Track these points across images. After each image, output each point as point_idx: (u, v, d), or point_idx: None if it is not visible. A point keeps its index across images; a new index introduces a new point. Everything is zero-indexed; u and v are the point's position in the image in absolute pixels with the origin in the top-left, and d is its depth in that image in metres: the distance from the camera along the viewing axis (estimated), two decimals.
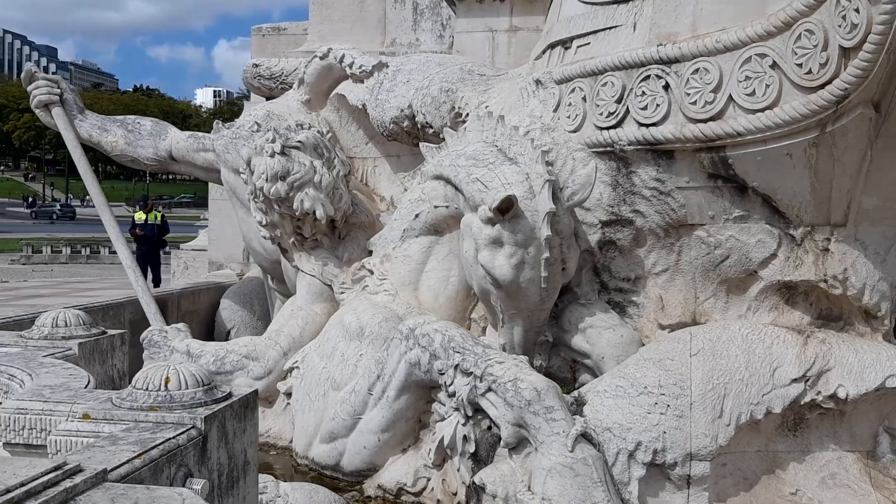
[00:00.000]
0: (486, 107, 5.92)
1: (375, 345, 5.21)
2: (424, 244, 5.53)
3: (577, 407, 4.41)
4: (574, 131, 5.09)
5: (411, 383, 4.82)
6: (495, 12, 8.15)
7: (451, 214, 5.31)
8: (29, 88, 7.33)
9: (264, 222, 6.18)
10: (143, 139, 7.44)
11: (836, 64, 3.87)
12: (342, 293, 5.97)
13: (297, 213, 5.95)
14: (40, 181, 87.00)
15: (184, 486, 2.84)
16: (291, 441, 5.59)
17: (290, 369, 5.86)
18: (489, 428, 4.46)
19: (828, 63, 3.91)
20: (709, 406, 4.27)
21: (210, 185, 10.44)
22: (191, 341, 6.24)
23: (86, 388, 3.62)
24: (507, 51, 8.11)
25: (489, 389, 4.36)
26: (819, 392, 4.35)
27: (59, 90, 7.30)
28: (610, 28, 5.11)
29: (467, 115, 6.10)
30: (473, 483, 4.35)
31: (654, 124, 4.63)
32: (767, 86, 4.17)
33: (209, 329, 8.41)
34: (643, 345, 4.89)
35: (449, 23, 9.51)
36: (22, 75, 7.50)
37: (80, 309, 5.07)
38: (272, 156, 5.84)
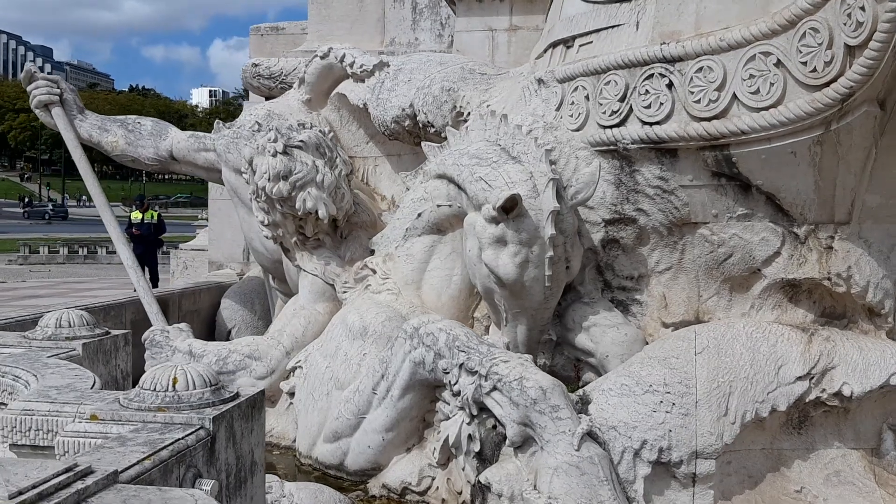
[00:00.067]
0: (488, 106, 5.92)
1: (379, 344, 5.21)
2: (427, 243, 5.53)
3: (582, 406, 4.41)
4: (577, 130, 5.09)
5: (415, 382, 4.82)
6: (495, 11, 8.15)
7: (454, 213, 5.31)
8: (29, 88, 7.32)
9: (266, 222, 6.17)
10: (143, 139, 7.43)
11: (842, 62, 3.87)
12: (345, 292, 5.96)
13: (299, 213, 5.95)
14: (36, 181, 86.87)
15: (193, 486, 2.84)
16: (294, 441, 5.58)
17: (293, 369, 5.85)
18: (494, 427, 4.46)
19: (833, 61, 3.91)
20: (714, 404, 4.27)
21: (210, 184, 10.43)
22: (193, 341, 6.23)
23: (92, 388, 3.61)
24: (507, 50, 8.11)
25: (494, 388, 4.36)
26: (824, 390, 4.35)
27: (59, 90, 7.29)
28: (612, 27, 5.11)
29: (469, 114, 6.10)
30: (479, 482, 4.35)
31: (657, 123, 4.63)
32: (772, 84, 4.17)
33: (210, 329, 8.40)
34: (647, 343, 4.90)
35: (448, 22, 9.51)
36: (22, 75, 7.49)
37: (81, 309, 5.05)
38: (274, 155, 5.83)
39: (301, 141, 5.94)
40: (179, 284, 9.56)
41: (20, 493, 2.10)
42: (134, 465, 2.53)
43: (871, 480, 4.37)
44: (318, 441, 5.23)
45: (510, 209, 4.58)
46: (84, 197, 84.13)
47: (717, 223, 4.72)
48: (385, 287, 5.58)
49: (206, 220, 20.09)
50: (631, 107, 4.74)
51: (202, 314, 8.50)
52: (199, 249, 11.82)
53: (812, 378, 4.35)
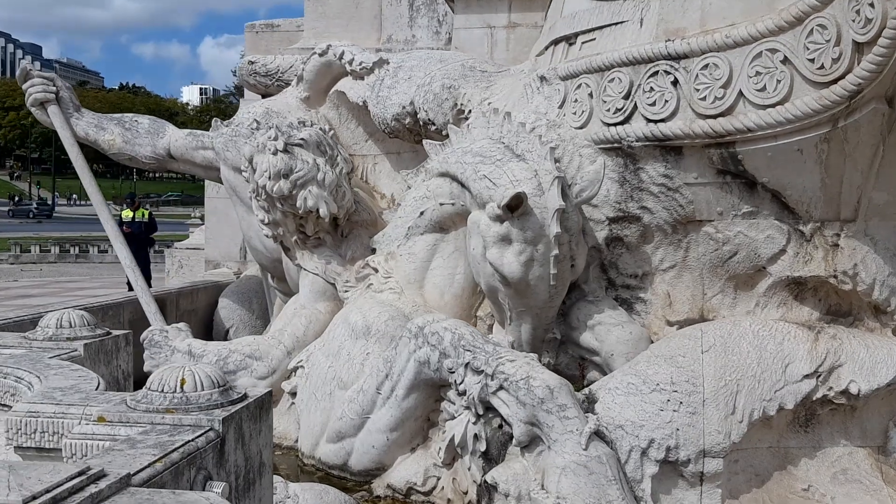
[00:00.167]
0: (489, 103, 5.89)
1: (382, 343, 5.17)
2: (430, 242, 5.50)
3: (589, 404, 4.39)
4: (580, 128, 5.07)
5: (420, 382, 4.79)
6: (493, 8, 8.11)
7: (457, 212, 5.28)
8: (24, 86, 7.25)
9: (266, 221, 6.13)
10: (140, 137, 7.37)
11: (850, 59, 3.86)
12: (346, 291, 5.93)
13: (300, 212, 5.90)
14: (26, 180, 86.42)
15: (204, 489, 2.80)
16: (297, 441, 5.55)
17: (295, 369, 5.81)
18: (500, 426, 4.44)
19: (841, 58, 3.90)
20: (721, 403, 4.26)
21: (206, 183, 10.38)
22: (192, 341, 6.19)
23: (97, 390, 3.57)
24: (506, 47, 8.06)
25: (501, 388, 4.33)
26: (831, 388, 4.35)
27: (54, 88, 7.23)
28: (616, 24, 5.09)
29: (470, 111, 6.07)
30: (485, 482, 4.33)
31: (662, 120, 4.61)
32: (779, 81, 4.16)
33: (207, 328, 8.36)
34: (652, 342, 4.88)
35: (445, 19, 9.47)
36: (17, 73, 7.42)
37: (80, 309, 5.01)
38: (275, 153, 5.79)
39: (302, 139, 5.89)
40: (176, 284, 9.50)
41: (34, 497, 2.07)
42: (145, 467, 2.49)
43: (878, 478, 4.37)
44: (322, 441, 5.20)
45: (515, 207, 4.55)
46: (74, 196, 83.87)
47: (722, 221, 4.71)
48: (387, 286, 5.55)
49: (200, 218, 20.05)
50: (635, 104, 4.72)
51: (199, 313, 8.45)
52: (194, 248, 11.76)
53: (819, 376, 4.34)
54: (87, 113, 7.49)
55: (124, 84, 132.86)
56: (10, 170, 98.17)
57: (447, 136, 5.72)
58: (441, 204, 5.36)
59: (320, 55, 7.03)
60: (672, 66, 4.55)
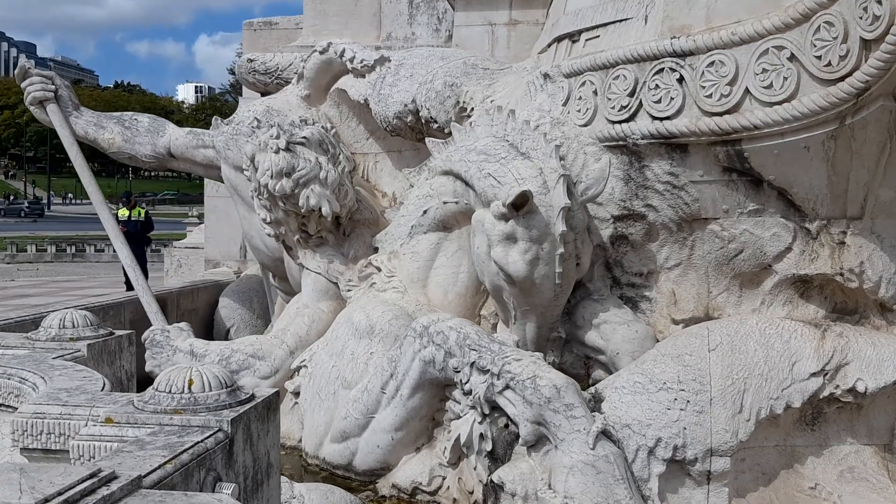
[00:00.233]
0: (492, 101, 5.87)
1: (386, 343, 5.15)
2: (433, 240, 5.48)
3: (595, 403, 4.38)
4: (585, 125, 5.05)
5: (425, 381, 4.77)
6: (494, 5, 8.08)
7: (461, 210, 5.26)
8: (23, 85, 7.21)
9: (268, 219, 6.10)
10: (140, 136, 7.33)
11: (857, 56, 3.85)
12: (349, 291, 5.90)
13: (302, 210, 5.87)
14: (21, 179, 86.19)
15: (213, 490, 2.79)
16: (300, 440, 5.52)
17: (298, 368, 5.79)
18: (506, 426, 4.42)
19: (848, 55, 3.88)
20: (729, 401, 4.25)
21: (205, 182, 10.34)
22: (194, 341, 6.16)
23: (102, 390, 3.55)
24: (507, 44, 8.04)
25: (507, 387, 4.32)
26: (838, 386, 4.34)
27: (53, 86, 7.19)
28: (620, 21, 5.07)
29: (472, 109, 6.05)
30: (491, 481, 4.31)
31: (668, 118, 4.59)
32: (785, 78, 4.15)
33: (208, 328, 8.32)
34: (657, 340, 4.87)
35: (445, 16, 9.44)
36: (16, 71, 7.37)
37: (82, 309, 4.98)
38: (277, 152, 5.76)
39: (304, 137, 5.86)
40: (177, 283, 9.46)
41: (46, 500, 2.05)
42: (156, 469, 2.47)
43: (884, 476, 4.37)
44: (326, 441, 5.18)
45: (521, 206, 4.53)
46: (70, 195, 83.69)
47: (727, 219, 4.70)
48: (390, 285, 5.53)
49: (197, 217, 20.00)
50: (640, 102, 4.70)
51: (200, 313, 8.42)
52: (193, 247, 11.71)
53: (826, 374, 4.33)
54: (87, 111, 7.45)
55: (119, 82, 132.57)
56: (5, 168, 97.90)
57: (450, 133, 5.70)
58: (444, 202, 5.34)
59: (321, 53, 7.00)
60: (677, 64, 4.53)
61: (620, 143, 4.83)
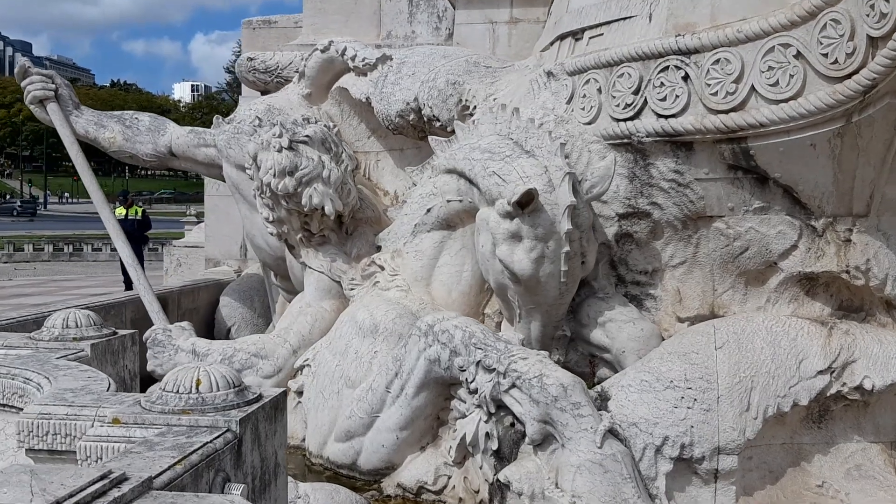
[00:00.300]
0: (495, 99, 5.86)
1: (390, 341, 5.14)
2: (437, 239, 5.47)
3: (602, 402, 4.37)
4: (589, 123, 5.04)
5: (430, 380, 4.75)
6: (495, 4, 8.06)
7: (465, 209, 5.25)
8: (23, 84, 7.18)
9: (271, 218, 6.08)
10: (141, 135, 7.30)
11: (864, 53, 3.84)
12: (352, 289, 5.88)
13: (305, 209, 5.85)
14: (17, 178, 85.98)
15: (222, 491, 2.77)
16: (304, 440, 5.50)
17: (301, 367, 5.77)
18: (512, 425, 4.41)
19: (855, 53, 3.87)
20: (736, 399, 4.24)
21: (206, 181, 10.30)
22: (196, 340, 6.14)
23: (108, 391, 3.53)
24: (508, 42, 8.02)
25: (513, 386, 4.31)
26: (845, 384, 4.33)
27: (54, 85, 7.15)
28: (624, 19, 5.07)
29: (475, 107, 6.03)
30: (497, 480, 4.30)
31: (673, 115, 4.58)
32: (791, 76, 4.14)
33: (209, 327, 8.29)
34: (663, 338, 4.86)
35: (445, 15, 9.42)
36: (16, 70, 7.34)
37: (84, 308, 4.96)
38: (280, 151, 5.73)
39: (307, 136, 5.84)
40: (177, 282, 9.43)
41: (57, 502, 2.03)
42: (166, 470, 2.45)
43: (891, 474, 4.36)
44: (330, 440, 5.16)
45: (526, 204, 4.52)
46: (66, 194, 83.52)
47: (732, 216, 4.69)
48: (394, 284, 5.51)
49: (195, 216, 19.96)
50: (645, 99, 4.69)
51: (201, 312, 8.38)
52: (192, 246, 11.66)
53: (833, 372, 4.33)
54: (87, 110, 7.42)
55: (115, 81, 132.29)
56: (1, 168, 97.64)
57: (452, 132, 5.68)
58: (448, 201, 5.33)
59: (322, 51, 6.98)
60: (683, 61, 4.52)
61: (625, 140, 4.82)
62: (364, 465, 4.98)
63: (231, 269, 9.88)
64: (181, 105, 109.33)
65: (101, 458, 2.81)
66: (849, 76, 3.94)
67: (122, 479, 2.27)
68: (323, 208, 5.82)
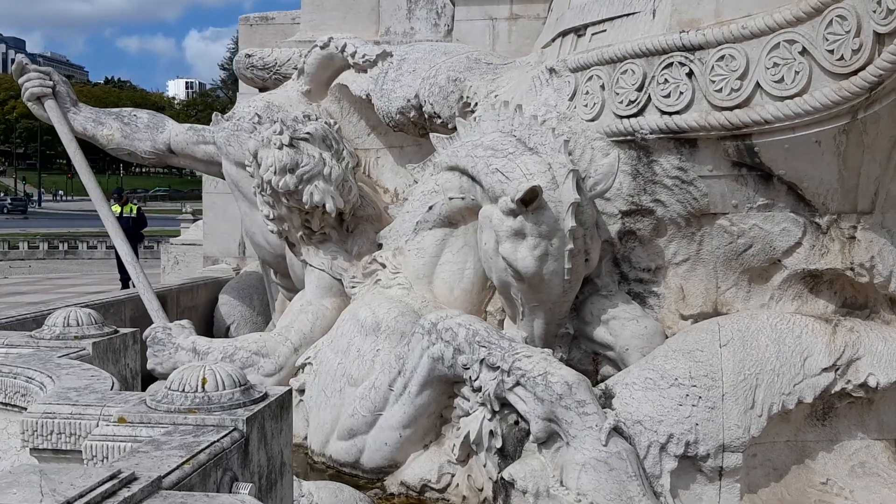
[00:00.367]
0: (496, 96, 5.84)
1: (392, 339, 5.12)
2: (438, 236, 5.44)
3: (606, 400, 4.36)
4: (592, 120, 5.02)
5: (434, 378, 4.74)
6: (495, 0, 8.04)
7: (467, 206, 5.22)
8: (20, 81, 7.13)
9: (271, 216, 6.05)
10: (140, 132, 7.25)
11: (870, 50, 3.83)
12: (353, 287, 5.85)
13: (306, 207, 5.82)
14: (11, 175, 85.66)
15: (230, 490, 2.75)
16: (305, 438, 5.48)
17: (302, 366, 5.74)
18: (516, 423, 4.39)
19: (861, 49, 3.86)
20: (741, 397, 4.23)
21: (204, 178, 10.26)
22: (196, 338, 6.11)
23: (111, 389, 3.51)
24: (508, 39, 8.00)
25: (517, 384, 4.29)
26: (849, 381, 4.33)
27: (51, 82, 7.10)
28: (627, 15, 5.05)
29: (476, 104, 6.01)
30: (502, 478, 4.29)
31: (677, 112, 4.56)
32: (797, 72, 4.12)
33: (208, 325, 8.26)
34: (667, 336, 4.85)
35: (444, 11, 9.39)
36: (13, 67, 7.29)
37: (84, 307, 4.93)
38: (280, 148, 5.70)
39: (308, 133, 5.81)
40: (176, 280, 9.39)
41: (68, 502, 2.01)
42: (174, 469, 2.44)
43: (895, 471, 4.35)
44: (332, 438, 5.14)
45: (530, 201, 4.50)
46: (60, 191, 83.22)
47: (736, 214, 4.67)
48: (396, 281, 5.49)
49: (191, 214, 19.91)
50: (649, 96, 4.67)
51: (200, 310, 8.35)
52: (190, 244, 11.63)
53: (838, 369, 4.32)
54: (85, 107, 7.37)
55: (109, 78, 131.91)
56: None
57: (453, 129, 5.66)
58: (450, 198, 5.30)
59: (322, 48, 6.94)
60: (687, 58, 4.50)
61: (628, 137, 4.80)
62: (367, 464, 4.96)
63: (229, 267, 9.86)
64: (175, 102, 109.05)
65: (108, 458, 2.80)
66: (855, 73, 3.93)
67: (132, 479, 2.25)
68: (324, 206, 5.79)
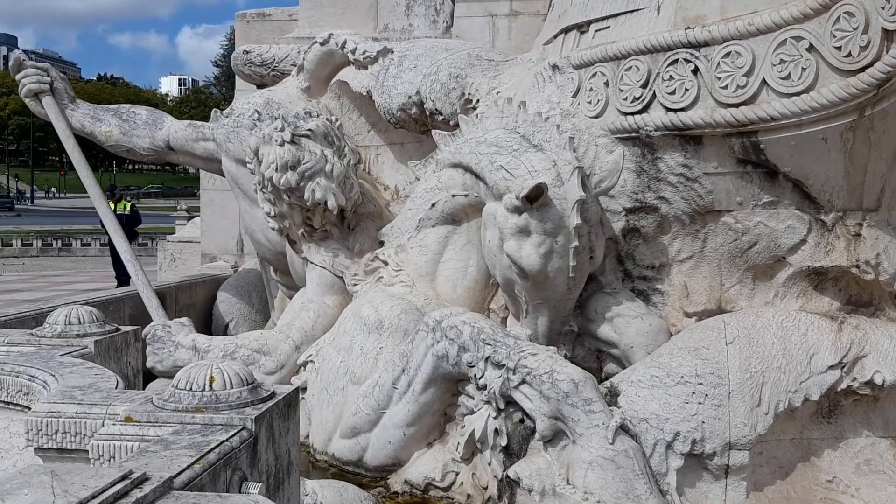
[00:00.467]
0: (498, 93, 5.81)
1: (395, 337, 5.09)
2: (441, 234, 5.42)
3: (612, 398, 4.34)
4: (596, 117, 5.00)
5: (438, 376, 4.71)
6: None
7: (470, 203, 5.20)
8: (18, 77, 7.08)
9: (272, 213, 6.01)
10: (138, 129, 7.21)
11: (878, 47, 3.81)
12: (355, 285, 5.82)
13: (307, 204, 5.78)
14: (3, 172, 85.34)
15: (240, 490, 2.73)
16: (307, 436, 5.44)
17: (304, 363, 5.71)
18: (522, 421, 4.37)
19: (869, 46, 3.85)
20: (747, 395, 4.22)
21: (202, 175, 10.21)
22: (196, 336, 6.07)
23: (116, 388, 3.48)
24: (508, 35, 7.97)
25: (523, 382, 4.27)
26: (855, 378, 4.32)
27: (49, 78, 7.05)
28: (631, 11, 5.02)
29: (478, 101, 5.99)
30: (507, 477, 4.27)
31: (682, 109, 4.54)
32: (804, 69, 4.11)
33: (207, 322, 8.22)
34: (671, 334, 4.84)
35: (442, 7, 9.35)
36: (10, 63, 7.24)
37: (84, 304, 4.90)
38: (282, 145, 5.66)
39: (309, 130, 5.77)
40: (174, 278, 9.34)
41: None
42: (185, 469, 2.41)
43: None
44: (335, 437, 5.11)
45: (535, 198, 4.48)
46: (53, 189, 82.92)
47: (741, 211, 4.66)
48: (398, 279, 5.46)
49: (186, 211, 19.83)
50: (654, 93, 4.65)
51: (198, 308, 8.31)
52: (187, 241, 11.56)
53: (844, 367, 4.32)
54: (83, 104, 7.32)
55: (102, 75, 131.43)
56: None
57: (455, 126, 5.63)
58: (453, 195, 5.28)
59: (322, 44, 6.91)
60: (692, 55, 4.49)
61: (633, 134, 4.78)
62: (370, 462, 4.94)
63: (227, 265, 9.81)
64: (169, 99, 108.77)
65: (115, 458, 2.77)
66: (862, 69, 3.91)
67: (143, 479, 2.23)
68: (325, 203, 5.76)
